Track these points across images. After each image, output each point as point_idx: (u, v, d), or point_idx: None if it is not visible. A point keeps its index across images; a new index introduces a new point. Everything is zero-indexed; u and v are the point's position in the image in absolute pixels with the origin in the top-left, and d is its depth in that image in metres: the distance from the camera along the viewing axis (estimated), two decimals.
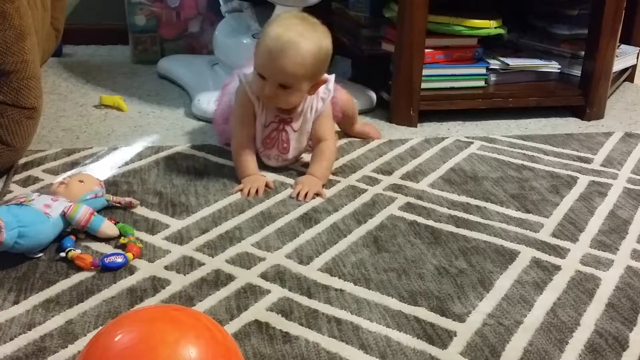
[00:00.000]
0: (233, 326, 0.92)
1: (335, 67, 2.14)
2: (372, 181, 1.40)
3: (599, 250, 1.16)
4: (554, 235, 1.20)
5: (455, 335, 0.92)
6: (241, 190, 1.31)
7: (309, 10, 1.78)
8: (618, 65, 1.99)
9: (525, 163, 1.52)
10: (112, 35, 2.43)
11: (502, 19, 1.85)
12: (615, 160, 1.56)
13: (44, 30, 1.74)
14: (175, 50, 2.28)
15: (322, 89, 1.38)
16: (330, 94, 1.39)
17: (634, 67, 2.24)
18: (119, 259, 1.04)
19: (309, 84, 1.31)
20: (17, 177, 1.35)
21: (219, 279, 1.03)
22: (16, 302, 0.95)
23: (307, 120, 1.39)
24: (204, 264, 1.07)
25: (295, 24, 1.27)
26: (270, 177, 1.38)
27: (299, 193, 1.30)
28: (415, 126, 1.77)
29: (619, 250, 1.16)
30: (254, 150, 1.39)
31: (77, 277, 1.02)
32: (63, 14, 2.09)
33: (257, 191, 1.31)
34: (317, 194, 1.31)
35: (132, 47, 2.27)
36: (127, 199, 1.24)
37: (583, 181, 1.43)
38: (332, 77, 1.40)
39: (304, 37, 1.25)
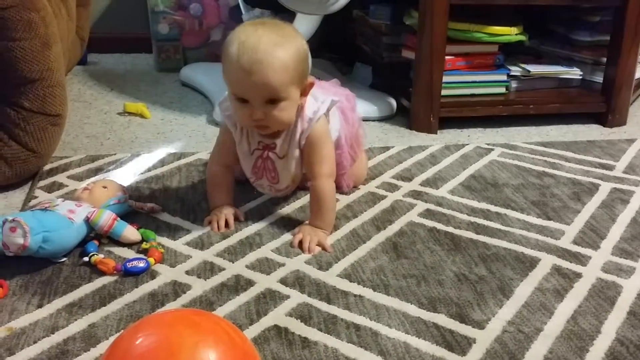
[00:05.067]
0: (252, 331, 0.93)
1: (356, 74, 2.15)
2: (392, 187, 1.40)
3: (620, 257, 1.15)
4: (575, 242, 1.19)
5: (475, 342, 0.92)
6: (210, 223, 1.21)
7: (330, 17, 1.80)
8: None
9: (546, 170, 1.52)
10: (136, 44, 2.47)
11: (522, 25, 1.84)
12: (638, 167, 1.55)
13: (69, 38, 1.77)
14: (197, 58, 2.31)
15: (310, 107, 1.17)
16: (319, 112, 1.17)
17: None
18: (141, 264, 1.05)
19: (298, 91, 1.11)
20: (42, 183, 1.37)
21: (239, 284, 1.04)
22: (40, 306, 0.97)
23: (294, 144, 1.18)
24: (224, 269, 1.08)
25: (261, 31, 1.08)
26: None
27: (300, 243, 1.15)
28: (436, 133, 1.77)
29: None
30: (230, 180, 1.26)
31: (99, 282, 1.03)
32: (88, 23, 2.13)
33: (226, 224, 1.20)
34: (320, 245, 1.15)
35: (156, 56, 2.30)
36: (150, 205, 1.25)
37: (605, 188, 1.42)
38: (330, 99, 1.20)
39: (276, 41, 1.07)
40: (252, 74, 1.05)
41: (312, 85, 1.16)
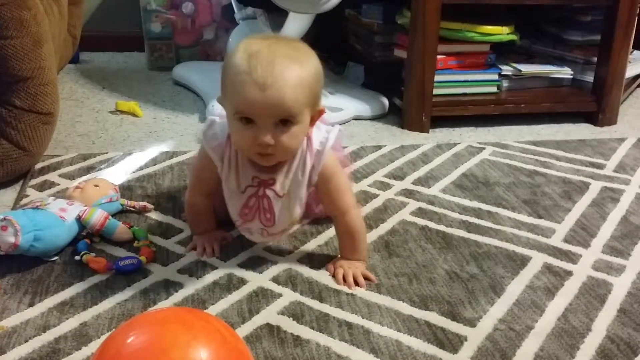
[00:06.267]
0: (245, 329, 0.93)
1: (348, 73, 2.15)
2: (384, 186, 1.40)
3: (610, 255, 1.15)
4: (565, 240, 1.20)
5: (466, 340, 0.92)
6: (195, 249, 1.12)
7: (322, 16, 1.80)
8: (631, 71, 1.99)
9: (537, 169, 1.52)
10: (128, 42, 2.46)
11: (514, 25, 1.85)
12: (628, 166, 1.56)
13: (60, 37, 1.76)
14: (190, 57, 2.30)
15: (315, 138, 1.03)
16: (328, 143, 1.03)
17: None
18: (133, 262, 1.05)
19: (309, 116, 0.97)
20: (33, 182, 1.36)
21: (231, 283, 1.04)
22: (31, 305, 0.97)
23: (299, 182, 1.03)
24: (216, 268, 1.07)
25: (274, 44, 0.95)
26: None
27: (344, 278, 1.05)
28: (427, 132, 1.77)
29: (631, 255, 1.16)
30: (211, 208, 1.14)
31: (91, 280, 1.03)
32: (80, 21, 2.12)
33: (213, 250, 1.11)
34: (365, 277, 1.06)
35: (148, 54, 2.30)
36: (142, 204, 1.25)
37: (595, 187, 1.43)
38: (337, 128, 1.07)
39: (294, 56, 0.94)
40: (267, 89, 0.91)
41: (322, 113, 1.02)
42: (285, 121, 0.94)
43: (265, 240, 1.12)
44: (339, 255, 1.10)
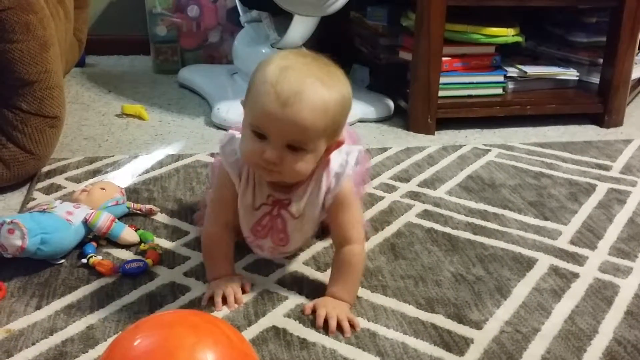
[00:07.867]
0: (251, 332, 0.93)
1: (353, 75, 2.15)
2: (390, 188, 1.40)
3: (617, 257, 1.15)
4: (572, 242, 1.20)
5: (473, 343, 0.92)
6: (211, 299, 0.98)
7: (327, 18, 1.80)
8: (637, 73, 1.98)
9: (543, 170, 1.52)
10: (134, 46, 2.47)
11: (519, 26, 1.85)
12: (635, 167, 1.55)
13: (67, 40, 1.77)
14: (195, 60, 2.31)
15: (335, 159, 0.98)
16: (347, 167, 0.98)
17: None
18: (139, 265, 1.05)
19: (325, 146, 0.92)
20: (40, 185, 1.37)
21: None
22: (38, 308, 0.97)
23: (314, 204, 0.99)
24: None
25: (310, 63, 0.91)
26: None
27: (325, 321, 0.94)
28: (433, 134, 1.77)
29: (637, 257, 1.15)
30: (230, 243, 1.03)
31: (98, 283, 1.03)
32: (86, 25, 2.13)
33: (235, 299, 0.98)
34: (350, 322, 0.94)
35: (154, 57, 2.30)
36: (148, 206, 1.25)
37: (602, 188, 1.43)
38: (357, 148, 1.02)
39: (324, 80, 0.89)
40: (287, 106, 0.86)
41: (340, 144, 0.96)
42: (296, 147, 0.89)
43: (275, 257, 1.09)
44: (326, 293, 1.00)
